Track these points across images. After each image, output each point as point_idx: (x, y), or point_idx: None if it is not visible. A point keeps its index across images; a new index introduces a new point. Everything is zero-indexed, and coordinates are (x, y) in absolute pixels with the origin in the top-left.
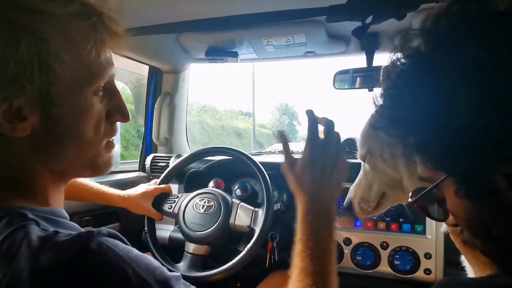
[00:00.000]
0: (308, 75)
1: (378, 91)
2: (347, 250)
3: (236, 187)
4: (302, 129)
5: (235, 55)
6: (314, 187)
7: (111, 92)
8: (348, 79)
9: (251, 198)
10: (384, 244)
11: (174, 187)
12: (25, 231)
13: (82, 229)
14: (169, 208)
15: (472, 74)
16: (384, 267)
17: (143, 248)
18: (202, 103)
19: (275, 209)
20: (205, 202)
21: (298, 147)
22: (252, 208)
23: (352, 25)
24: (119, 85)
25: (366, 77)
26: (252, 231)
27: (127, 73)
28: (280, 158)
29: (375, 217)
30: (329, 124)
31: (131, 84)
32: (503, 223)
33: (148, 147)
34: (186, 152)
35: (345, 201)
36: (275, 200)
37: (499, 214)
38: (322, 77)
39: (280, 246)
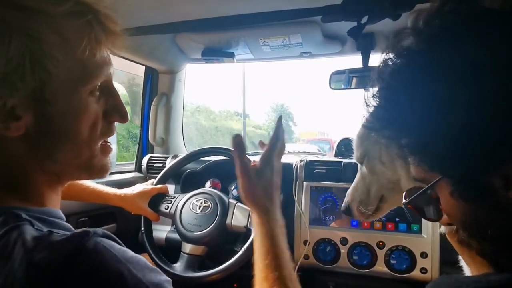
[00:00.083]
0: (304, 76)
1: (370, 91)
2: (343, 250)
3: (233, 187)
4: (298, 130)
5: (231, 55)
6: (264, 199)
7: (109, 91)
8: (344, 79)
9: None
10: (381, 243)
11: (171, 188)
12: (19, 231)
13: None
14: (165, 209)
15: (470, 73)
16: (380, 267)
17: (140, 248)
18: (196, 103)
19: None
20: (201, 203)
21: (294, 147)
22: (249, 208)
23: (347, 25)
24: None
25: (362, 77)
26: (248, 231)
27: (123, 74)
28: None
29: None
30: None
31: (124, 85)
32: (499, 223)
33: (145, 147)
34: (183, 153)
35: (343, 204)
36: None
37: (495, 214)
38: (318, 77)
39: None
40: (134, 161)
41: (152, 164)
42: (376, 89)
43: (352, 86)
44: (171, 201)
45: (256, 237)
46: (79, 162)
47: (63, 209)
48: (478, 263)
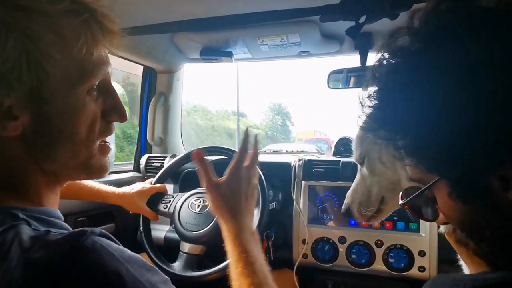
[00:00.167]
0: (302, 75)
1: (365, 92)
2: (342, 249)
3: None
4: (295, 129)
5: (229, 55)
6: (229, 209)
7: (107, 91)
8: (342, 78)
9: None
10: (379, 242)
11: (169, 187)
12: (15, 231)
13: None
14: (164, 208)
15: (468, 73)
16: (378, 265)
17: (139, 248)
18: (192, 103)
19: (270, 208)
20: (200, 202)
21: (292, 147)
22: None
23: (346, 25)
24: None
25: (360, 77)
26: None
27: (118, 73)
28: (275, 158)
29: None
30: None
31: (119, 84)
32: (497, 224)
33: (143, 147)
34: (181, 152)
35: (343, 206)
36: (270, 199)
37: (492, 215)
38: (316, 76)
39: (276, 245)
40: (132, 161)
41: (150, 164)
42: (371, 89)
43: (350, 86)
44: (170, 201)
45: (226, 246)
46: (77, 162)
47: (61, 209)
48: (476, 263)
